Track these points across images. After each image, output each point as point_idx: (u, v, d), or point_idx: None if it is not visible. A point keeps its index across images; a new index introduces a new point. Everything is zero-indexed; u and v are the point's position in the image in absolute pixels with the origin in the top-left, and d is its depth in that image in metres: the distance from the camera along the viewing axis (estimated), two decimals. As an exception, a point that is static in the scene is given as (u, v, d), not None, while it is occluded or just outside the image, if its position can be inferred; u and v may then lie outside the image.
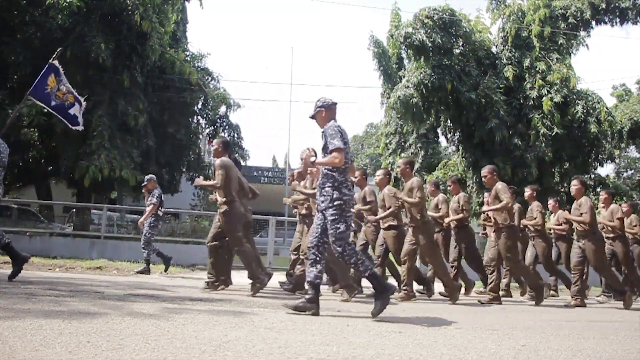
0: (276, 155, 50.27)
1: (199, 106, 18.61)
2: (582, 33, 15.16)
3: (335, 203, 4.21)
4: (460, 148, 15.37)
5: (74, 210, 15.35)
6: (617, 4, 14.49)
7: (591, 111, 13.73)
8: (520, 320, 4.95)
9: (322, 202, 4.29)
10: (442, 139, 20.61)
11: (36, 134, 13.90)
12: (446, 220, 7.42)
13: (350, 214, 4.35)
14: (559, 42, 14.37)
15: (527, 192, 8.18)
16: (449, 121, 15.41)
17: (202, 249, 10.35)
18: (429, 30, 13.51)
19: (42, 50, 13.38)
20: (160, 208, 8.72)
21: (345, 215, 4.25)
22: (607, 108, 14.09)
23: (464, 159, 15.15)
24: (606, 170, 51.13)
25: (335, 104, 4.54)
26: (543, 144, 13.48)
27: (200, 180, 6.27)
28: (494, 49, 15.20)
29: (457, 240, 7.49)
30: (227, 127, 19.16)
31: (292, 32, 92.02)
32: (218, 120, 19.10)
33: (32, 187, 18.45)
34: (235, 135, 19.22)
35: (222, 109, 18.75)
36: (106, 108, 13.75)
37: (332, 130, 4.26)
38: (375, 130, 39.78)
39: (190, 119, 18.55)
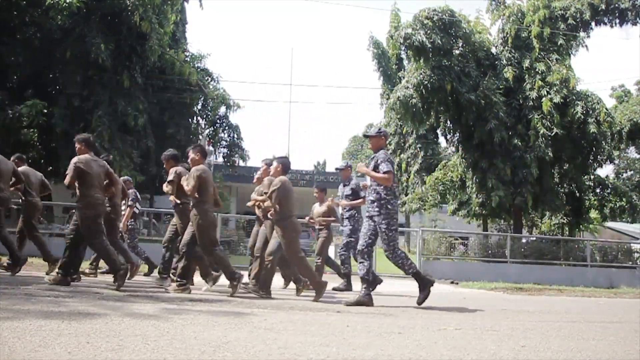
0: (276, 156, 50.11)
1: (199, 107, 18.60)
2: (582, 34, 15.13)
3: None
4: (460, 149, 15.37)
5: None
6: (616, 5, 14.46)
7: (591, 112, 13.70)
8: (520, 321, 4.95)
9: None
10: (441, 139, 20.65)
11: (36, 134, 13.86)
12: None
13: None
14: (559, 43, 14.35)
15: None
16: (448, 122, 15.40)
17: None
18: (428, 31, 13.49)
19: (42, 51, 13.37)
20: (137, 207, 8.61)
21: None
22: (606, 109, 14.06)
23: (463, 159, 15.15)
24: (605, 171, 51.14)
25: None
26: (543, 145, 13.45)
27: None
28: (493, 50, 15.18)
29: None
30: (227, 127, 19.17)
31: (292, 32, 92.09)
32: (218, 121, 19.11)
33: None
34: (235, 135, 19.22)
35: (222, 109, 18.75)
36: (106, 108, 13.75)
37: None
38: (375, 130, 39.76)
39: (190, 120, 18.54)
